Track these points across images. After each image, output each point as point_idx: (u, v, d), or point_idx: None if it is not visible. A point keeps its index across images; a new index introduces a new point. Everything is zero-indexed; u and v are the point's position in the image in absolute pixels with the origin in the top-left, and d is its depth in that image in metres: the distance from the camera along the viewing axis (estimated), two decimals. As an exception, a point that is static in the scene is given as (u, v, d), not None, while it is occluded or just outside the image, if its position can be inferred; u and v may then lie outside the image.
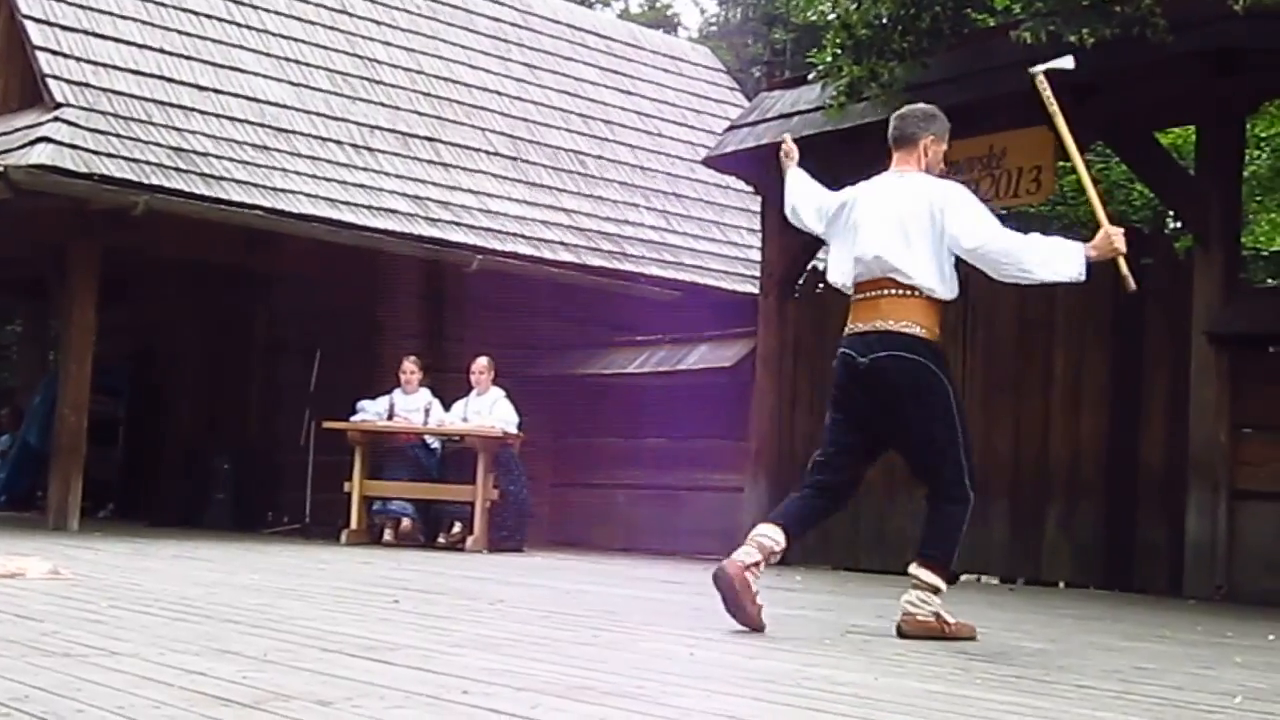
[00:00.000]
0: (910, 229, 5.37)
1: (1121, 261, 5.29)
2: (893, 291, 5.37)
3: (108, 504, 15.11)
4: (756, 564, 5.23)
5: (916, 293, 5.35)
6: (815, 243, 12.63)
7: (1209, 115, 9.73)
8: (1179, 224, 14.99)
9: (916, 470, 5.51)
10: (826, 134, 11.22)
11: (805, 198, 6.05)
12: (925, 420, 5.30)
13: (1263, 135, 16.01)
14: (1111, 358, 10.09)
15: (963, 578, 5.65)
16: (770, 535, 5.27)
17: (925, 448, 5.36)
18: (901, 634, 5.25)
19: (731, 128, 12.98)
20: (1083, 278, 5.24)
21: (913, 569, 5.34)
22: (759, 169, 12.45)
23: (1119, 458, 9.98)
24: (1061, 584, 10.00)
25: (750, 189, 13.63)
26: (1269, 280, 18.52)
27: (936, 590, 5.29)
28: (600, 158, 16.03)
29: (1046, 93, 5.75)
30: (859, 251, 5.48)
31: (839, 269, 5.64)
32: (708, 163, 13.29)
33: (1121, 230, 5.27)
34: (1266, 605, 8.49)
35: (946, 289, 5.42)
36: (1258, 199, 16.50)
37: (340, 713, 2.90)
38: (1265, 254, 19.42)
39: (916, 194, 5.44)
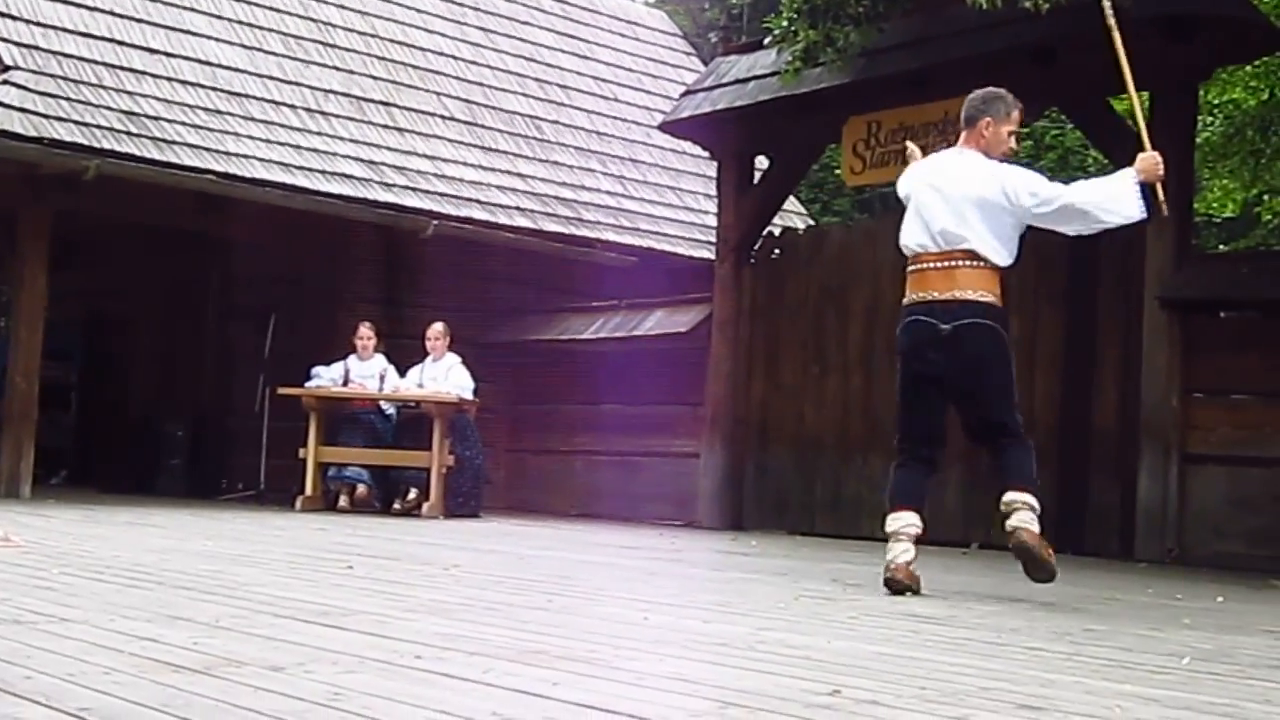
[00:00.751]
0: (972, 203, 5.77)
1: (1159, 186, 5.72)
2: (966, 263, 5.77)
3: (60, 471, 15.02)
4: (914, 558, 5.77)
5: (984, 263, 5.78)
6: (771, 208, 12.69)
7: (1162, 82, 9.77)
8: (1132, 190, 15.05)
9: (982, 425, 5.90)
10: (782, 99, 11.23)
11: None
12: (998, 383, 5.82)
13: (1215, 102, 16.07)
14: (1065, 323, 10.15)
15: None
16: (913, 523, 5.77)
17: (994, 405, 5.83)
18: (1020, 545, 5.64)
19: (687, 93, 12.96)
20: (1144, 214, 5.76)
21: (1011, 495, 5.71)
22: (715, 134, 12.45)
23: (1071, 422, 10.05)
24: (1015, 548, 10.06)
25: (706, 154, 13.61)
26: (1221, 247, 18.65)
27: (1034, 509, 5.70)
28: (556, 123, 15.97)
29: (1110, 14, 6.16)
30: (929, 223, 5.85)
31: (908, 236, 5.96)
32: (664, 128, 13.26)
33: (1159, 155, 5.74)
34: (1216, 568, 8.59)
35: (1007, 257, 5.86)
36: (1210, 166, 16.58)
37: (292, 678, 2.89)
38: (1217, 220, 19.55)
39: (973, 171, 5.84)
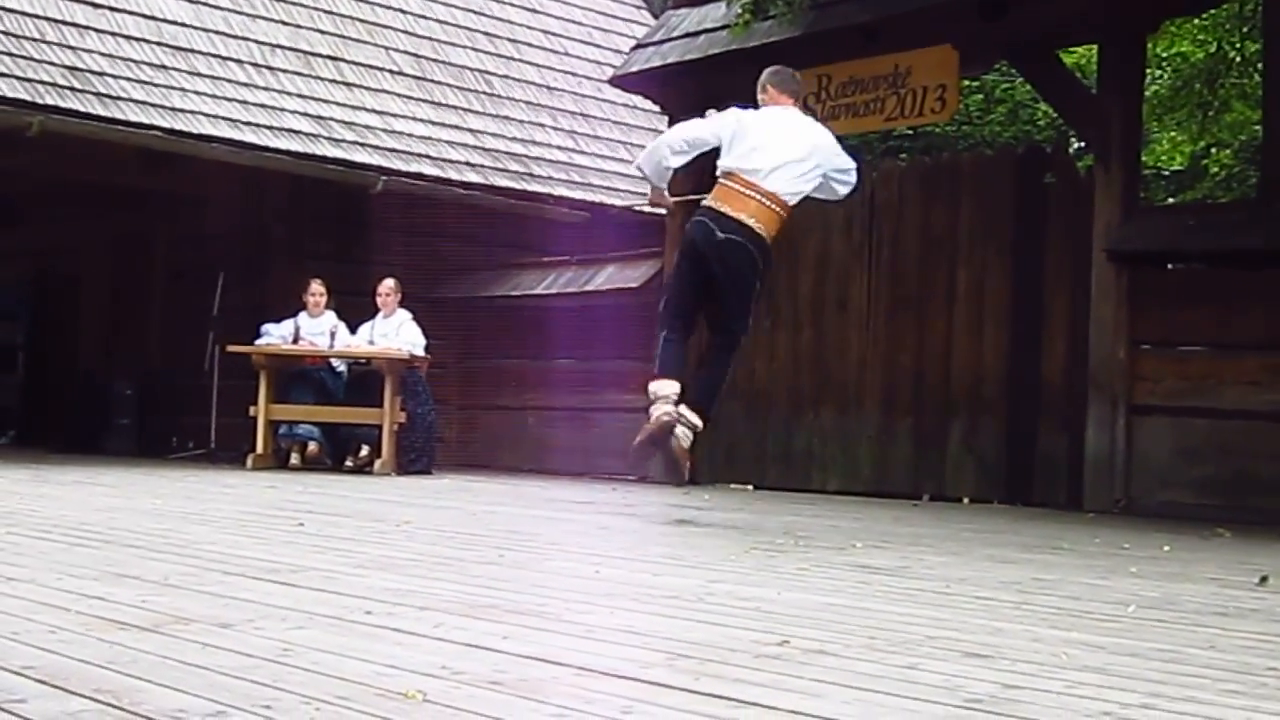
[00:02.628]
0: (804, 148, 6.89)
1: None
2: (768, 203, 6.76)
3: (8, 430, 14.92)
4: (674, 415, 6.70)
5: (777, 206, 6.78)
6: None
7: (1111, 34, 9.80)
8: (1082, 143, 15.13)
9: (721, 322, 6.95)
10: (732, 52, 11.19)
11: (683, 153, 7.20)
12: (743, 294, 6.83)
13: (1163, 54, 16.15)
14: (1013, 275, 10.19)
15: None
16: (675, 390, 6.74)
17: (735, 309, 6.87)
18: (669, 450, 6.70)
19: (638, 47, 12.89)
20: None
21: (685, 410, 6.74)
22: (665, 88, 12.40)
23: (1020, 374, 10.11)
24: (965, 499, 10.14)
25: (657, 109, 13.55)
26: (1169, 199, 18.77)
27: (696, 429, 6.80)
28: (506, 77, 15.87)
29: None
30: (761, 162, 6.79)
31: (737, 159, 6.86)
32: (614, 82, 13.20)
33: None
34: (1163, 517, 8.67)
35: (797, 200, 6.92)
36: (1158, 118, 16.66)
37: (241, 634, 2.88)
38: (1166, 173, 19.66)
39: (805, 123, 7.08)
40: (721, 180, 6.89)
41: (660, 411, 6.66)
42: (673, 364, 6.83)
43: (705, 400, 6.89)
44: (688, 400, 6.74)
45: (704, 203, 6.94)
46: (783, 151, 6.82)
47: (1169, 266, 9.90)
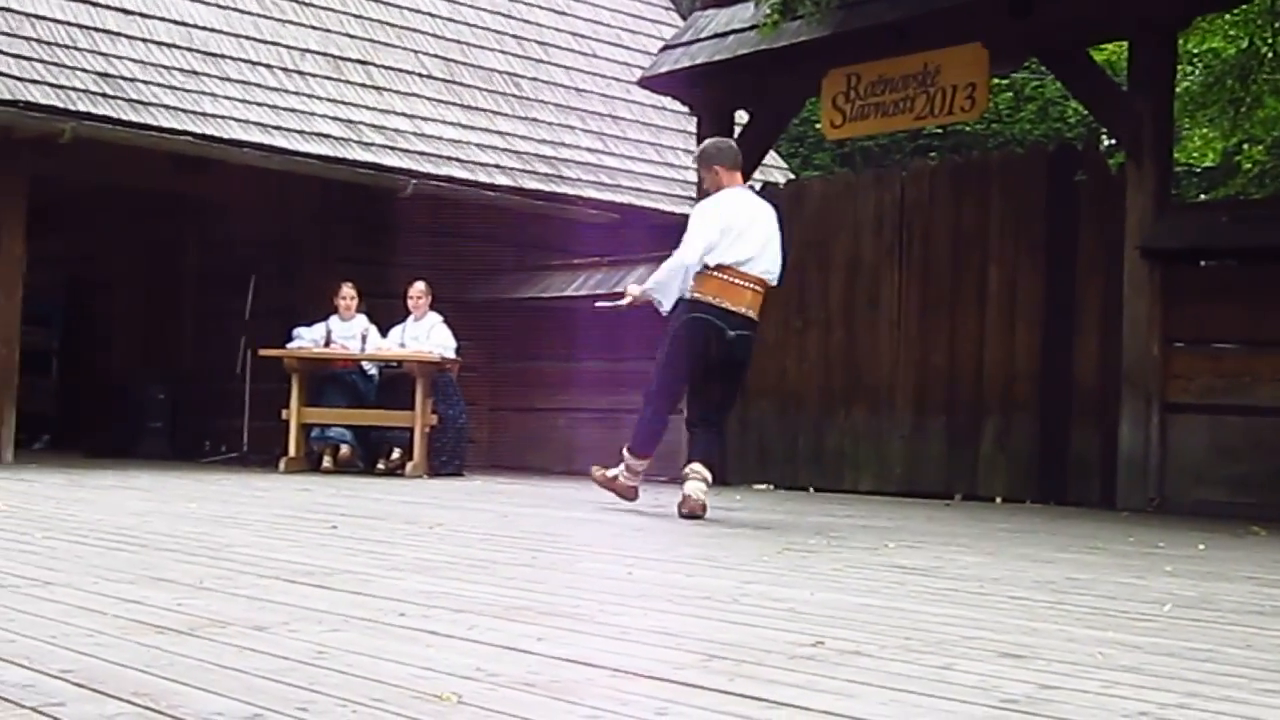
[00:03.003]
0: (775, 236, 7.36)
1: None
2: (758, 288, 7.23)
3: (43, 435, 14.98)
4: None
5: (762, 289, 7.27)
6: (751, 163, 12.63)
7: (1141, 31, 9.75)
8: (1113, 140, 15.06)
9: (724, 401, 7.63)
10: (761, 53, 11.19)
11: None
12: (743, 375, 7.73)
13: (1195, 51, 16.06)
14: (1045, 273, 10.15)
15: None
16: (642, 469, 7.65)
17: (732, 395, 7.80)
18: (691, 511, 7.02)
19: (666, 48, 12.90)
20: None
21: (697, 466, 7.17)
22: (694, 89, 12.40)
23: (1053, 372, 10.08)
24: (998, 499, 10.11)
25: (686, 109, 13.56)
26: (1201, 196, 18.67)
27: (708, 481, 7.17)
28: (535, 79, 15.88)
29: None
30: (748, 251, 7.17)
31: (733, 253, 7.16)
32: (643, 83, 13.20)
33: None
34: (1198, 516, 8.63)
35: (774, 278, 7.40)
36: (1190, 115, 16.57)
37: (276, 637, 2.89)
38: (1197, 170, 19.56)
39: (767, 208, 7.51)
40: (713, 273, 7.17)
41: (629, 481, 7.59)
42: (653, 444, 7.56)
43: (714, 457, 7.50)
44: (699, 458, 7.22)
45: (699, 297, 7.18)
46: (758, 237, 7.23)
47: (1202, 263, 9.85)
